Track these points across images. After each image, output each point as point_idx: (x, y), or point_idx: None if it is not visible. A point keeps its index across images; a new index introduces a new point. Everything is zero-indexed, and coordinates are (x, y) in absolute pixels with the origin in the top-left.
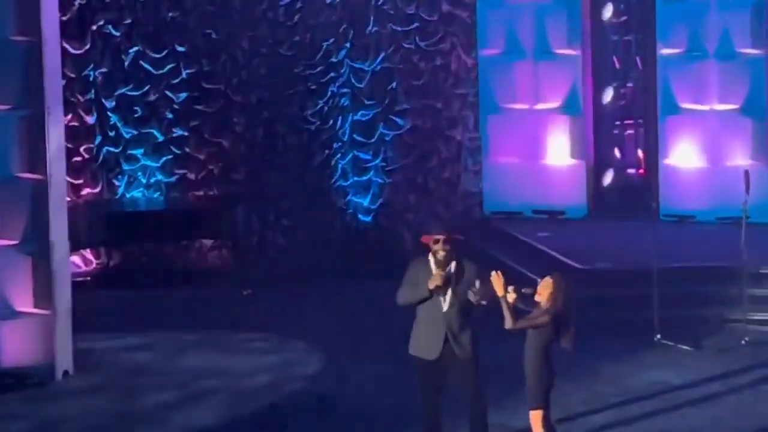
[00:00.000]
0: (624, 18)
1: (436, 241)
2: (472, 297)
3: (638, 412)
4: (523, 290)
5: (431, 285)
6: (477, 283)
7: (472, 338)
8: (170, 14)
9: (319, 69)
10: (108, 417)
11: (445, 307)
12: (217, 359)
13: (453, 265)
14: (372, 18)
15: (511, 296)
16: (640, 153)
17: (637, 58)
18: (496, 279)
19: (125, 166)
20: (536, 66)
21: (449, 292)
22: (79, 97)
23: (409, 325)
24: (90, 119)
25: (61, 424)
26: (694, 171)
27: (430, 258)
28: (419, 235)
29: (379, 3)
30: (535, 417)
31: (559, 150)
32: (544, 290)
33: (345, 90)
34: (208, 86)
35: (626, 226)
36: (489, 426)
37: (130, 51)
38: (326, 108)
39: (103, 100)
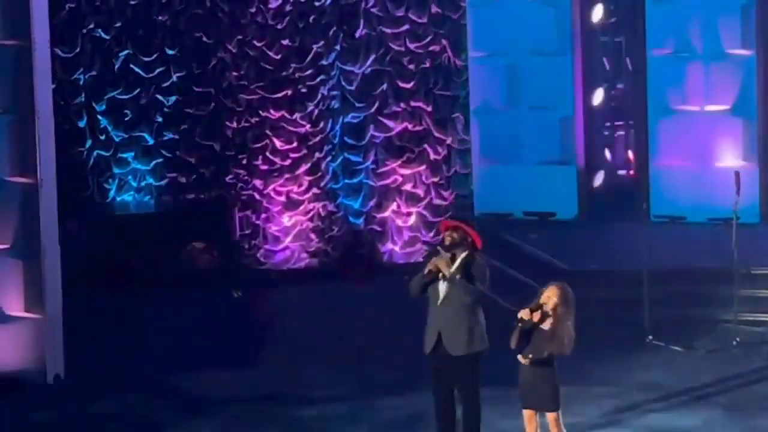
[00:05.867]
0: (613, 19)
1: (446, 227)
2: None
3: (630, 412)
4: (531, 308)
5: (426, 270)
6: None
7: (471, 336)
8: (160, 18)
9: (309, 72)
10: (99, 421)
11: (439, 301)
12: (211, 362)
13: (450, 255)
14: (362, 20)
15: (537, 316)
16: (630, 154)
17: (627, 60)
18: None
19: (116, 170)
20: (526, 68)
21: (445, 285)
22: (69, 101)
23: (402, 327)
24: (80, 123)
25: (52, 429)
26: (684, 172)
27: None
28: (411, 238)
29: (369, 5)
30: (556, 418)
31: (549, 152)
32: (550, 299)
33: (335, 92)
34: (198, 89)
35: (616, 227)
36: (481, 428)
37: (120, 54)
38: (316, 111)
39: (94, 104)
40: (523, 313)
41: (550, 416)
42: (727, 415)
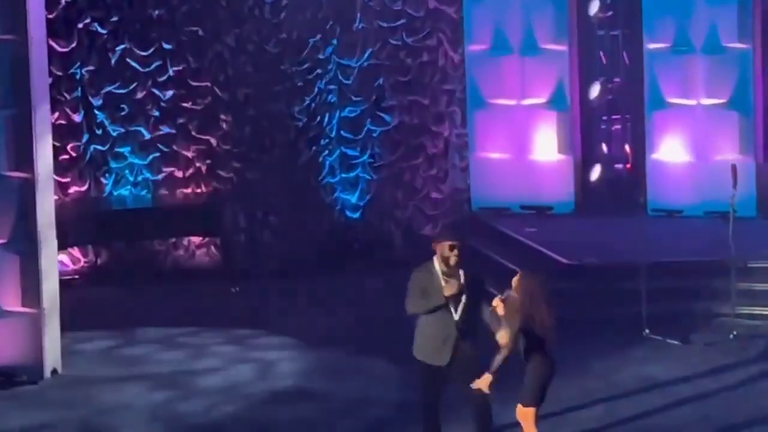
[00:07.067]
0: (610, 13)
1: (452, 248)
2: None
3: (627, 407)
4: (502, 296)
5: (447, 293)
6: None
7: (476, 337)
8: (156, 12)
9: (305, 66)
10: (97, 416)
11: (457, 315)
12: (206, 356)
13: (462, 273)
14: (358, 14)
15: (500, 306)
16: (627, 148)
17: (624, 53)
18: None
19: (112, 164)
20: (523, 61)
21: (462, 300)
22: (66, 96)
23: (397, 321)
24: (77, 117)
25: (50, 423)
26: (681, 166)
27: (435, 264)
28: (408, 232)
29: None
30: (528, 414)
31: (546, 145)
32: (515, 288)
33: (332, 86)
34: (194, 84)
35: (614, 221)
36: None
37: (117, 49)
38: (313, 105)
39: (90, 98)
40: (495, 302)
41: (519, 409)
42: (725, 408)
